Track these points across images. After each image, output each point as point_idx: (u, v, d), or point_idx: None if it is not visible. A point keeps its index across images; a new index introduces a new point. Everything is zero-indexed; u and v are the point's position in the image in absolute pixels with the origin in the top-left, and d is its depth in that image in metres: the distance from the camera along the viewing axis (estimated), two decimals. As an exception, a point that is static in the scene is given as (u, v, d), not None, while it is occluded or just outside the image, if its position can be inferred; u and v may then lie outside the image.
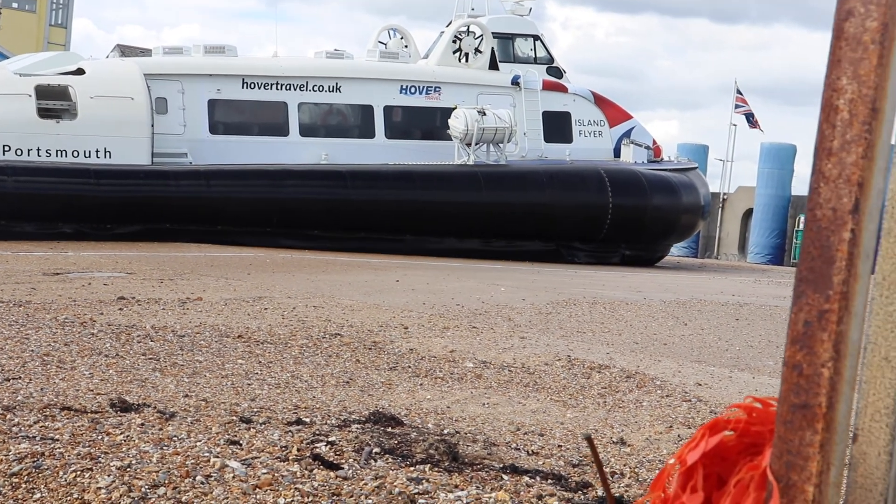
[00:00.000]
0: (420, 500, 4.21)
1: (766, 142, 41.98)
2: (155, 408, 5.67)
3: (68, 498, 4.01)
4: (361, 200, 23.93)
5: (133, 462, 4.43)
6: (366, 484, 4.33)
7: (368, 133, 26.54)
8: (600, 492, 4.87)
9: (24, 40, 62.15)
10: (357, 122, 26.86)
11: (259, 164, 24.27)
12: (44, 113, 22.93)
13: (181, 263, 16.81)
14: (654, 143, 29.57)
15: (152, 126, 23.90)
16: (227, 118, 25.62)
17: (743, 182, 57.06)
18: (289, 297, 12.62)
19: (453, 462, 4.97)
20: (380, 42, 29.52)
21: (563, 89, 28.76)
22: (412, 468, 4.68)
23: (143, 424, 5.15)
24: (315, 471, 4.47)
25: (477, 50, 28.06)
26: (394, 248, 23.84)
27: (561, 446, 6.07)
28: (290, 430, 5.26)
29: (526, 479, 4.81)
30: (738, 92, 42.83)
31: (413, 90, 26.97)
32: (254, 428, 5.25)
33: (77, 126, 23.01)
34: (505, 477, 4.80)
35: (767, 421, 1.76)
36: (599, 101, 29.17)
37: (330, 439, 5.03)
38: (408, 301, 12.97)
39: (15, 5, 64.99)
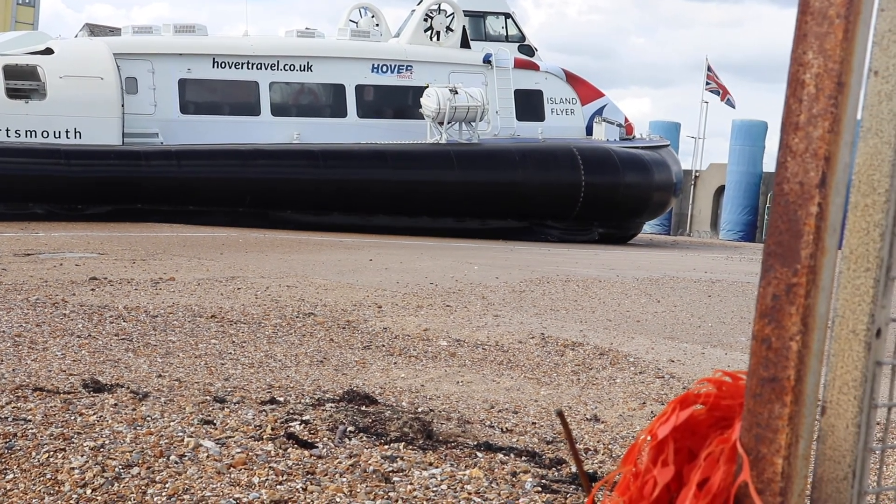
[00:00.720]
0: (394, 478, 4.22)
1: (737, 119, 42.13)
2: (128, 388, 5.66)
3: (41, 478, 4.00)
4: (334, 180, 23.86)
5: (106, 442, 4.42)
6: (340, 462, 4.34)
7: (340, 112, 26.45)
8: (574, 468, 4.90)
9: (-10, 19, 61.48)
10: (329, 102, 26.77)
11: (230, 143, 24.16)
12: (12, 93, 22.72)
13: (153, 244, 16.73)
14: (627, 120, 29.62)
15: (122, 106, 23.75)
16: (198, 98, 25.47)
17: (715, 159, 57.34)
18: (262, 276, 12.59)
19: (427, 440, 4.99)
20: (351, 21, 29.39)
21: (535, 67, 28.75)
22: (386, 446, 4.69)
23: (116, 405, 5.14)
24: (289, 450, 4.48)
25: (448, 28, 28.00)
26: (367, 227, 23.82)
27: (535, 423, 6.10)
28: (264, 410, 5.26)
29: (500, 456, 4.83)
30: (710, 69, 42.93)
31: (385, 69, 26.89)
32: (228, 407, 5.25)
33: (46, 106, 22.82)
34: (479, 454, 4.82)
35: (737, 395, 1.77)
36: (571, 78, 29.17)
37: (304, 418, 5.04)
38: (381, 280, 12.97)
39: (-19, -17, 64.15)
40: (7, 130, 22.36)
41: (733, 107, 42.68)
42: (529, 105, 28.27)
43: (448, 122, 25.42)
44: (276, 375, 6.84)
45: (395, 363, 7.89)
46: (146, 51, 24.71)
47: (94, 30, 27.11)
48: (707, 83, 42.65)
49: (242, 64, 25.62)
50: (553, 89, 28.71)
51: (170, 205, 22.70)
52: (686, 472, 1.76)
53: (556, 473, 4.68)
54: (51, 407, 5.02)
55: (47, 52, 23.71)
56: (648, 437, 1.81)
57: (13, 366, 6.34)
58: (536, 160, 25.75)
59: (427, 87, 25.83)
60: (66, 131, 22.87)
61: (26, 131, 22.57)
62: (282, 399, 5.71)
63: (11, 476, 4.04)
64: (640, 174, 26.73)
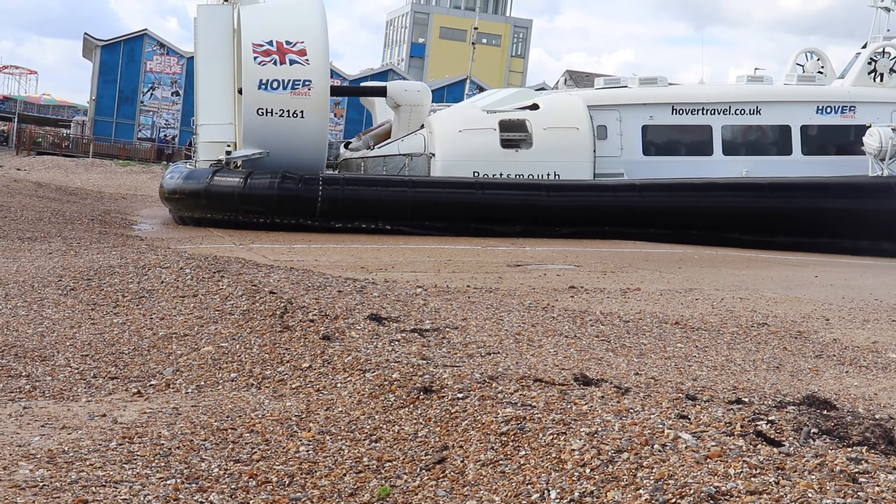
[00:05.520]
0: (860, 479, 3.81)
1: None
2: (611, 383, 5.58)
3: (548, 456, 3.99)
4: (779, 208, 22.79)
5: (598, 429, 4.34)
6: (807, 461, 3.98)
7: (786, 150, 25.19)
8: None
9: (490, 70, 65.48)
10: (775, 141, 25.59)
11: (685, 178, 23.75)
12: (505, 143, 23.59)
13: (620, 258, 16.75)
14: None
15: (594, 151, 24.00)
16: (658, 141, 25.25)
17: None
18: (717, 289, 12.18)
19: (889, 445, 4.49)
20: (798, 64, 27.98)
21: (978, 100, 25.85)
22: (850, 449, 4.26)
23: (602, 397, 5.07)
24: (759, 446, 4.18)
25: (892, 70, 25.88)
26: (807, 248, 22.49)
27: None
28: (731, 409, 4.98)
29: (972, 466, 4.24)
30: None
31: (829, 110, 25.29)
32: (699, 405, 5.02)
33: (532, 154, 23.49)
34: (948, 464, 4.27)
35: None
36: None
37: (769, 418, 4.70)
38: (827, 295, 12.10)
39: (484, 41, 68.23)
40: (500, 175, 23.32)
41: None
42: (971, 136, 25.45)
43: (890, 158, 23.50)
44: (738, 378, 6.51)
45: (847, 372, 7.28)
46: (615, 102, 24.85)
47: (572, 75, 27.76)
48: None
49: (698, 110, 25.10)
50: None
51: (632, 227, 22.63)
52: None
53: None
54: (549, 396, 5.04)
55: (533, 107, 24.42)
56: None
57: (516, 359, 6.48)
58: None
59: (869, 126, 24.02)
60: (547, 174, 23.47)
61: (515, 175, 23.40)
62: (746, 399, 5.39)
63: (524, 452, 4.07)
64: None
